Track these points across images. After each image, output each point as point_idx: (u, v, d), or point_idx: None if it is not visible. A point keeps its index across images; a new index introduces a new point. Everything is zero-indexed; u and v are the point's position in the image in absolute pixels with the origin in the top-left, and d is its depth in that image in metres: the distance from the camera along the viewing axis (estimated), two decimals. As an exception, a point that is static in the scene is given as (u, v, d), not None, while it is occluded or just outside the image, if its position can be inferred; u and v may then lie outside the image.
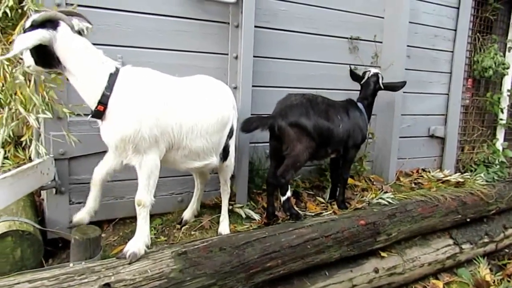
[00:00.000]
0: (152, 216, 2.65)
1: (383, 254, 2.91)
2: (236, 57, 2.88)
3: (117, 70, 2.02)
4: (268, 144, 2.89)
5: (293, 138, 2.61)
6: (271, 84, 3.12)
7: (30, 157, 3.56)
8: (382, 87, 3.17)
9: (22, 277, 1.74)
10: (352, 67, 3.26)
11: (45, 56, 1.91)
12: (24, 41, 1.81)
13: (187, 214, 2.74)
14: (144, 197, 2.08)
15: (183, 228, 2.65)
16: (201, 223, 2.72)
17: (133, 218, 2.71)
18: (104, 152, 2.48)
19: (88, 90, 1.98)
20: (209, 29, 2.79)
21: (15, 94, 2.12)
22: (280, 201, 2.70)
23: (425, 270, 3.14)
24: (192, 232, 2.64)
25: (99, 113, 2.00)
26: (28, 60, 1.95)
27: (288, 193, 2.65)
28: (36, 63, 1.94)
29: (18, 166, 3.19)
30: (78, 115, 2.33)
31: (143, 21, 2.56)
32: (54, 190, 2.43)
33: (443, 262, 3.22)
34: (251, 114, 2.84)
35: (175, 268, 1.98)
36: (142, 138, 2.00)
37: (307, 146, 2.63)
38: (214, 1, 2.73)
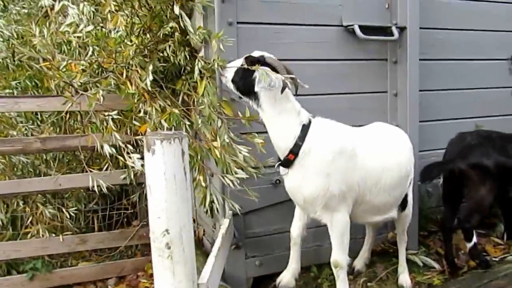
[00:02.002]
0: (321, 266, 2.57)
1: None
2: (396, 94, 2.74)
3: (310, 121, 2.01)
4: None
5: (475, 181, 2.40)
6: (432, 118, 2.93)
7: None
8: None
9: None
10: None
11: (247, 87, 1.97)
12: (275, 81, 1.88)
13: (359, 263, 2.62)
14: (340, 257, 2.00)
15: (361, 279, 2.52)
16: (375, 273, 2.57)
17: (305, 269, 2.64)
18: (276, 204, 2.48)
19: (281, 136, 1.99)
20: (367, 68, 2.70)
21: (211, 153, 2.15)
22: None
23: None
24: (369, 284, 2.50)
25: (288, 162, 1.99)
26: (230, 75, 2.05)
27: (474, 239, 2.43)
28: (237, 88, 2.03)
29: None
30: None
31: (305, 68, 2.51)
32: (233, 246, 2.43)
33: None
34: (419, 152, 2.68)
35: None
36: (332, 195, 1.94)
37: (490, 189, 2.41)
38: (374, 40, 2.62)
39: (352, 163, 2.02)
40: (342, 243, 2.01)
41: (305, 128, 1.98)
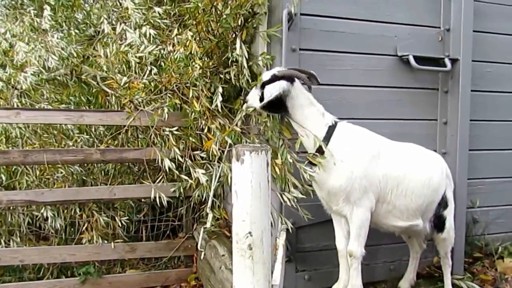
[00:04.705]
0: (366, 285, 2.63)
1: None
2: (445, 123, 2.84)
3: (335, 123, 2.24)
4: (475, 209, 2.76)
5: None
6: (480, 147, 2.99)
7: (223, 217, 3.77)
8: None
9: None
10: None
11: (274, 102, 2.17)
12: (273, 90, 2.12)
13: (404, 284, 2.67)
14: (355, 248, 2.17)
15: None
16: (421, 295, 2.62)
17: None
18: (326, 222, 2.57)
19: (309, 137, 2.21)
20: (418, 97, 2.82)
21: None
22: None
23: None
24: (415, 305, 2.55)
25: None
26: (254, 102, 2.28)
27: None
28: (263, 107, 2.25)
29: (218, 225, 3.42)
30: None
31: (362, 94, 2.68)
32: (286, 258, 2.54)
33: None
34: (468, 179, 2.77)
35: None
36: (353, 188, 2.14)
37: None
38: (427, 70, 2.75)
39: (375, 163, 2.21)
40: (359, 236, 2.17)
41: (331, 129, 2.21)
